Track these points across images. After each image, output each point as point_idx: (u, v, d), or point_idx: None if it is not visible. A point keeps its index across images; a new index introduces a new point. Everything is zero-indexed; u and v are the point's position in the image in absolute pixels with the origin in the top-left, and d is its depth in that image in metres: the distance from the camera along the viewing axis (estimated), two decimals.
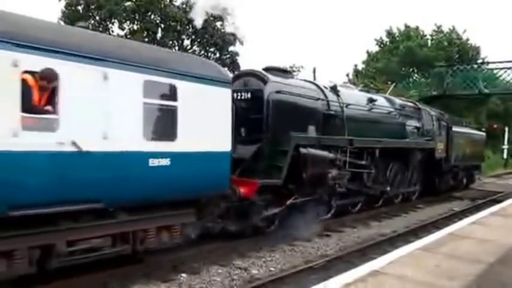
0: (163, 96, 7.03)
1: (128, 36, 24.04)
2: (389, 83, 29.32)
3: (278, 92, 9.69)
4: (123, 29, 26.26)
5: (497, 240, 7.97)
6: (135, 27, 26.57)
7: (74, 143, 5.74)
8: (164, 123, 7.08)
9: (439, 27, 42.22)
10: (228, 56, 28.73)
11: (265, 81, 9.68)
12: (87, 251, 6.26)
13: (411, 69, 38.95)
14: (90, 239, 6.26)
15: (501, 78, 26.38)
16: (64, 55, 5.69)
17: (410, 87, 29.41)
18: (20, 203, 5.28)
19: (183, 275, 7.44)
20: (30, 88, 5.59)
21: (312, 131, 10.56)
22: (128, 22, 26.45)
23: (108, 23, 25.87)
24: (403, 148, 14.51)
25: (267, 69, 10.37)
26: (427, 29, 42.75)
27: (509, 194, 18.13)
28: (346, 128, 11.61)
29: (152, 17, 26.72)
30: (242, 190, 8.54)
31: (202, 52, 28.14)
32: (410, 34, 42.17)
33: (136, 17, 26.29)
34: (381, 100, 14.31)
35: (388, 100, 15.05)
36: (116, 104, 6.23)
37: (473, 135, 22.08)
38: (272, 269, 8.13)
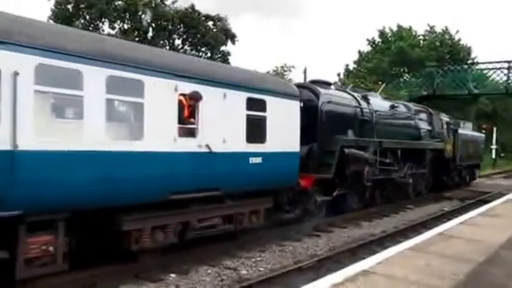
0: (257, 109, 9.06)
1: (119, 36, 23.83)
2: (379, 82, 29.38)
3: (328, 102, 11.94)
4: (113, 29, 26.12)
5: (486, 240, 7.97)
6: (126, 26, 26.42)
7: (207, 146, 7.84)
8: (258, 130, 9.07)
9: (431, 27, 42.54)
10: (219, 55, 28.67)
11: (316, 94, 11.82)
12: (208, 228, 8.30)
13: (402, 69, 39.09)
14: (211, 218, 8.35)
15: (490, 78, 26.54)
16: (204, 81, 7.90)
17: (400, 87, 29.50)
18: (176, 190, 7.33)
19: (172, 275, 7.37)
20: (183, 106, 7.72)
21: (350, 134, 12.68)
22: (119, 21, 26.28)
23: (98, 22, 25.69)
24: (418, 149, 16.74)
25: (313, 82, 12.80)
26: (420, 30, 43.02)
27: (497, 194, 18.21)
28: (375, 131, 13.75)
29: (143, 16, 26.58)
30: (302, 182, 10.49)
31: (194, 52, 28.02)
32: (402, 34, 42.36)
33: (127, 17, 26.13)
34: (400, 106, 16.46)
35: (406, 106, 17.21)
36: (230, 115, 8.38)
37: (474, 136, 24.23)
38: (261, 269, 8.08)
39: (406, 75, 32.91)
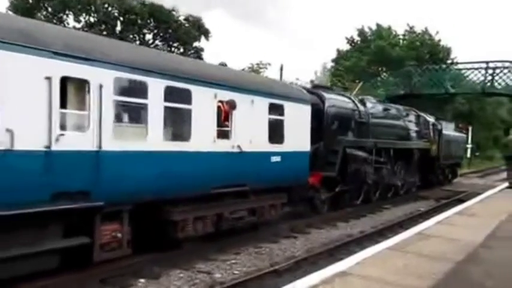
0: (277, 113, 10.47)
1: (85, 29, 23.39)
2: (357, 81, 29.71)
3: (332, 106, 13.46)
4: (79, 22, 25.62)
5: (463, 239, 8.16)
6: (92, 19, 25.96)
7: (238, 146, 9.17)
8: (277, 131, 10.45)
9: (411, 27, 43.18)
10: (192, 51, 28.49)
11: (322, 98, 13.22)
12: (238, 219, 9.58)
13: (381, 69, 39.61)
14: (239, 211, 9.65)
15: (468, 78, 27.18)
16: (237, 89, 9.29)
17: (378, 85, 29.89)
18: (215, 185, 8.66)
19: (142, 280, 7.26)
20: (221, 111, 8.91)
21: (350, 135, 14.23)
22: (84, 14, 25.80)
23: (62, 14, 25.17)
24: (408, 148, 18.41)
25: (315, 87, 14.84)
26: (399, 30, 43.65)
27: (472, 193, 18.67)
28: (371, 132, 15.20)
29: (110, 9, 26.18)
30: (311, 179, 11.88)
31: (165, 47, 27.76)
32: (381, 33, 42.92)
33: (93, 9, 25.68)
34: (392, 109, 18.09)
35: (396, 109, 18.70)
36: (256, 119, 9.75)
37: (456, 136, 25.86)
38: (237, 272, 8.04)
39: (384, 74, 33.33)
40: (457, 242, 7.99)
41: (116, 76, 6.89)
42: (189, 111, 8.18)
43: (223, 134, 8.95)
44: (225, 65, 21.55)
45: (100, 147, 6.60)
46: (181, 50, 28.16)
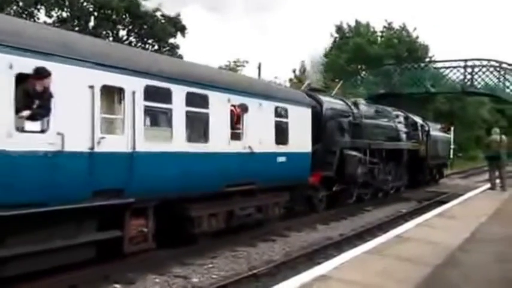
0: (282, 116, 11.61)
1: (57, 25, 23.03)
2: (336, 80, 29.95)
3: (330, 109, 14.61)
4: (50, 17, 25.19)
5: (442, 242, 8.32)
6: (65, 14, 25.58)
7: (249, 147, 10.20)
8: (283, 133, 11.53)
9: (389, 23, 43.46)
10: (168, 48, 28.30)
11: (320, 102, 14.34)
12: (246, 216, 10.57)
13: (360, 67, 39.89)
14: (248, 208, 10.62)
15: (447, 77, 27.61)
16: (247, 94, 10.40)
17: (358, 84, 30.17)
18: (228, 184, 9.61)
19: (116, 285, 7.25)
20: (233, 114, 9.90)
21: (346, 136, 15.19)
22: (57, 9, 25.40)
23: (33, 9, 24.72)
24: (399, 149, 19.45)
25: (312, 90, 16.02)
26: (378, 26, 43.96)
27: (454, 194, 18.99)
28: (364, 133, 16.18)
29: (84, 4, 25.83)
30: (312, 179, 12.90)
31: (140, 44, 27.52)
32: (360, 30, 43.21)
33: (66, 4, 25.30)
34: (382, 111, 19.27)
35: (387, 111, 19.88)
36: (264, 122, 10.81)
37: (442, 137, 27.02)
38: (214, 276, 8.09)
39: (364, 72, 33.58)
40: (436, 245, 8.14)
41: (146, 84, 7.84)
42: (206, 115, 9.20)
43: (235, 136, 9.95)
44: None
45: (134, 148, 7.51)
46: (156, 46, 27.96)
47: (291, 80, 39.43)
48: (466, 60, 26.43)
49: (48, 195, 6.31)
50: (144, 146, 7.66)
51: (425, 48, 42.55)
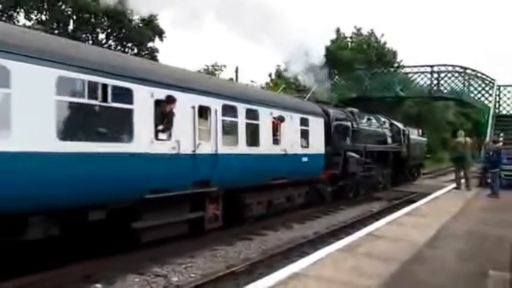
0: (305, 124, 14.37)
1: (36, 27, 22.66)
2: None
3: (336, 119, 17.31)
4: (30, 20, 24.75)
5: (411, 239, 8.53)
6: (44, 17, 25.17)
7: (284, 149, 12.87)
8: (305, 138, 14.30)
9: (358, 29, 43.93)
10: (147, 52, 28.11)
11: (327, 112, 16.83)
12: (280, 204, 13.22)
13: (332, 71, 40.17)
14: (282, 197, 13.28)
15: (415, 82, 28.10)
16: (283, 108, 13.23)
17: (331, 89, 30.38)
18: (272, 178, 12.33)
19: (97, 285, 7.22)
20: (274, 124, 12.59)
21: (348, 140, 17.81)
22: (36, 12, 24.97)
23: (12, 12, 24.26)
24: (387, 151, 22.35)
25: (317, 102, 17.76)
26: (348, 32, 44.35)
27: (423, 194, 19.38)
28: (361, 138, 18.79)
29: (63, 7, 25.46)
30: (323, 175, 15.70)
31: (119, 47, 27.26)
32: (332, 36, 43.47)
33: (45, 7, 24.90)
34: (373, 118, 21.84)
35: (376, 118, 22.41)
36: (293, 129, 13.56)
37: (420, 140, 30.01)
38: (193, 275, 8.11)
39: (337, 77, 33.83)
40: (404, 242, 8.34)
41: (223, 103, 10.44)
42: (257, 125, 11.82)
43: (275, 141, 12.58)
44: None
45: (216, 150, 10.07)
46: (135, 50, 27.75)
47: (267, 83, 39.59)
48: (432, 66, 26.95)
49: (170, 184, 8.65)
50: (222, 149, 10.22)
51: (394, 54, 43.14)
